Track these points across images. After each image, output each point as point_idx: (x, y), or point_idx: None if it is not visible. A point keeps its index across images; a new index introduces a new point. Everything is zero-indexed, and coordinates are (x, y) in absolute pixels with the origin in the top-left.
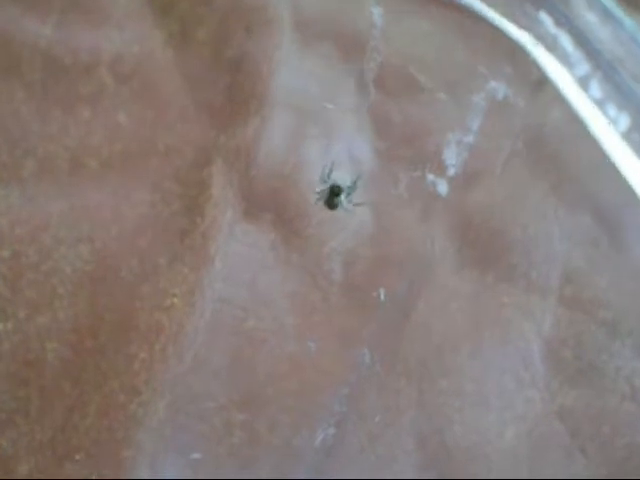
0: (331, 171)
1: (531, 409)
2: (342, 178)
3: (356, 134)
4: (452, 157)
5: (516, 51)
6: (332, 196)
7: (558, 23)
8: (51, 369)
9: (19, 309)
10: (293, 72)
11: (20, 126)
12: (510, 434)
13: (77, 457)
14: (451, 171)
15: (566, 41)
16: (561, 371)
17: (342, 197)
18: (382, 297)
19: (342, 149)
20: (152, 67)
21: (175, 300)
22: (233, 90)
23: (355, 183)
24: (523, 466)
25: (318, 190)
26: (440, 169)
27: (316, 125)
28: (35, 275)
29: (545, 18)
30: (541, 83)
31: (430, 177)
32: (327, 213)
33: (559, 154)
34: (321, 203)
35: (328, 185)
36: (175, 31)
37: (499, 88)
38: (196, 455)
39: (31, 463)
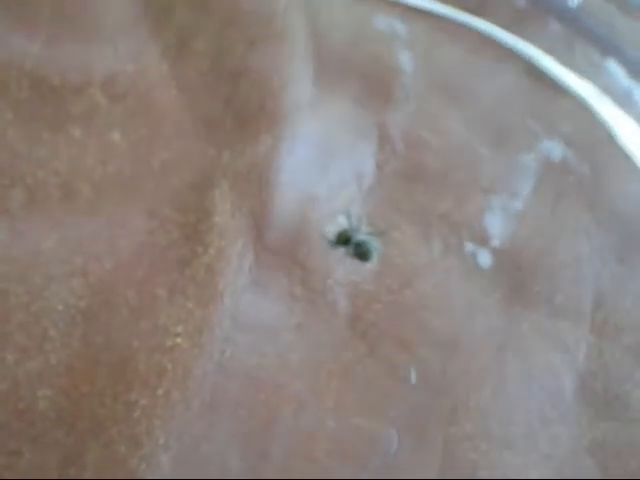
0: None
1: (558, 447)
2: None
3: (376, 185)
4: (496, 226)
5: (577, 104)
6: (358, 249)
7: (632, 73)
8: (43, 418)
9: (8, 353)
10: (306, 90)
11: (7, 151)
12: (536, 475)
13: None
14: (495, 242)
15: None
16: (591, 405)
17: (357, 236)
18: (413, 379)
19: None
20: (147, 83)
21: (179, 340)
22: (235, 103)
23: (358, 216)
24: None
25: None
26: (482, 239)
27: (331, 155)
28: (25, 316)
29: (615, 68)
30: (607, 143)
31: (470, 247)
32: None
33: (597, 185)
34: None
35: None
36: (171, 43)
37: (554, 148)
38: None
39: None
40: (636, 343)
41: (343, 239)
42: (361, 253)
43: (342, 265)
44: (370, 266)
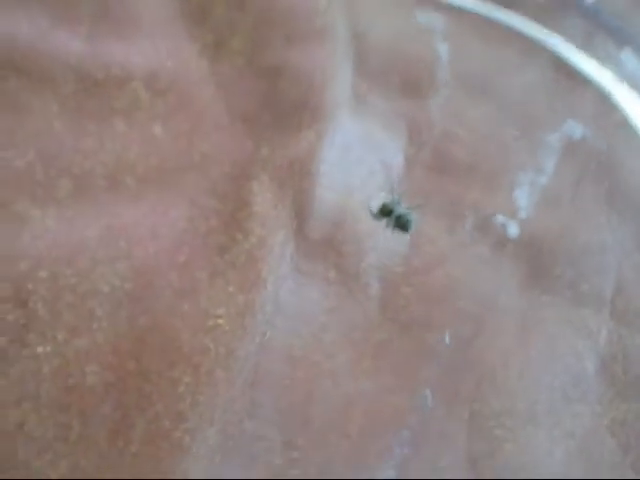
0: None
1: (580, 425)
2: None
3: (405, 177)
4: (524, 198)
5: (597, 90)
6: (400, 219)
7: None
8: (92, 393)
9: (58, 332)
10: (346, 87)
11: (54, 142)
12: (560, 452)
13: None
14: (522, 213)
15: None
16: (612, 386)
17: (398, 209)
18: (448, 336)
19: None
20: (186, 79)
21: (220, 321)
22: (272, 98)
23: (399, 192)
24: None
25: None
26: (511, 211)
27: (366, 149)
28: (73, 297)
29: (629, 57)
30: (622, 124)
31: (500, 218)
32: (364, 229)
33: (614, 164)
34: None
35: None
36: (209, 41)
37: (576, 128)
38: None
39: None
40: None
41: (386, 211)
42: (402, 223)
43: (375, 251)
44: (403, 249)
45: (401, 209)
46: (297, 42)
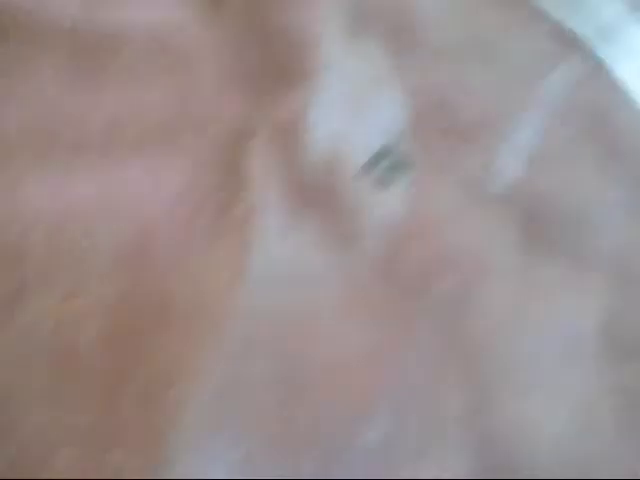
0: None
1: (581, 385)
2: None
3: (405, 136)
4: (524, 140)
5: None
6: (389, 168)
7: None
8: (90, 349)
9: (54, 292)
10: (338, 45)
11: (49, 105)
12: (561, 411)
13: (120, 447)
14: (523, 154)
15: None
16: (613, 348)
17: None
18: (447, 289)
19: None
20: (184, 37)
21: (217, 282)
22: (270, 59)
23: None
24: (573, 446)
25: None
26: (512, 152)
27: (363, 106)
28: (70, 257)
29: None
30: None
31: (500, 162)
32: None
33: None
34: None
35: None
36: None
37: (572, 70)
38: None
39: (70, 453)
40: None
41: (384, 154)
42: (399, 166)
43: (374, 211)
44: (402, 209)
45: (397, 154)
46: (293, 3)
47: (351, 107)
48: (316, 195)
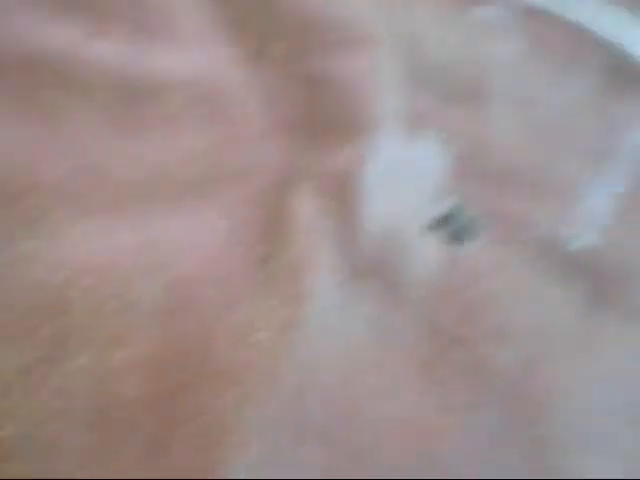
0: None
1: None
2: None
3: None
4: (599, 207)
5: None
6: (460, 231)
7: None
8: (134, 403)
9: (98, 342)
10: (393, 99)
11: (93, 152)
12: (619, 474)
13: None
14: (597, 223)
15: None
16: None
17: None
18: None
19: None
20: (227, 87)
21: (261, 336)
22: (315, 110)
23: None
24: None
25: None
26: (587, 216)
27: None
28: (113, 307)
29: None
30: None
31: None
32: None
33: None
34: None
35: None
36: (250, 48)
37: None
38: None
39: None
40: None
41: (447, 220)
42: (465, 233)
43: (422, 264)
44: (448, 263)
45: (463, 218)
46: (338, 51)
47: (403, 163)
48: (369, 255)
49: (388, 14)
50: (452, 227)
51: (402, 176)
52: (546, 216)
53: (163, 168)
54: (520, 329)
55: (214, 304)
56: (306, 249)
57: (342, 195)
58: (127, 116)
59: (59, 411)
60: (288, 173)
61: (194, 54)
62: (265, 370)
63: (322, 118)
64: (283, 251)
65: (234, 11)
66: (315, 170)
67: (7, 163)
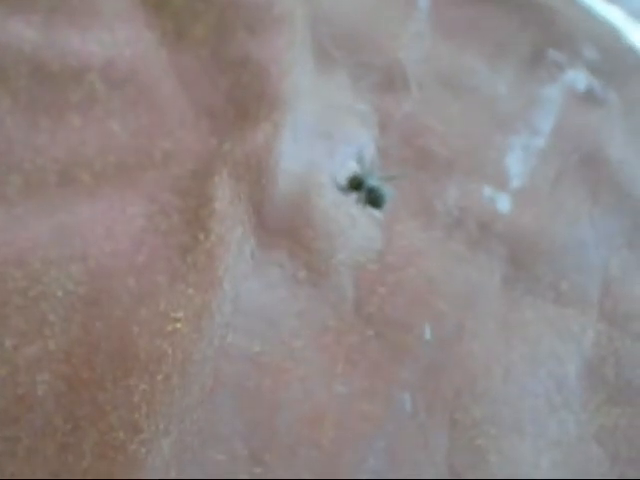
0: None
1: (565, 433)
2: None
3: (392, 166)
4: (517, 165)
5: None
6: (372, 193)
7: None
8: (42, 404)
9: (6, 338)
10: (305, 76)
11: (5, 137)
12: (546, 463)
13: None
14: (515, 182)
15: None
16: (600, 391)
17: (370, 181)
18: (428, 335)
19: (352, 152)
20: (146, 70)
21: (178, 325)
22: (236, 92)
23: (370, 161)
24: None
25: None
26: (501, 180)
27: (329, 134)
28: (23, 300)
29: None
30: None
31: (488, 190)
32: (335, 226)
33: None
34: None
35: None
36: (169, 29)
37: (579, 78)
38: None
39: None
40: None
41: (355, 183)
42: (374, 198)
43: (347, 248)
44: (376, 245)
45: (373, 181)
46: (258, 32)
47: (320, 138)
48: (285, 228)
49: None
50: (363, 190)
51: (318, 152)
52: (458, 187)
53: (79, 154)
54: (440, 299)
55: (130, 296)
56: (220, 236)
57: (254, 176)
58: (42, 102)
59: None
60: (209, 159)
61: (112, 36)
62: (177, 360)
63: (242, 100)
64: (202, 240)
65: None
66: (235, 153)
67: None
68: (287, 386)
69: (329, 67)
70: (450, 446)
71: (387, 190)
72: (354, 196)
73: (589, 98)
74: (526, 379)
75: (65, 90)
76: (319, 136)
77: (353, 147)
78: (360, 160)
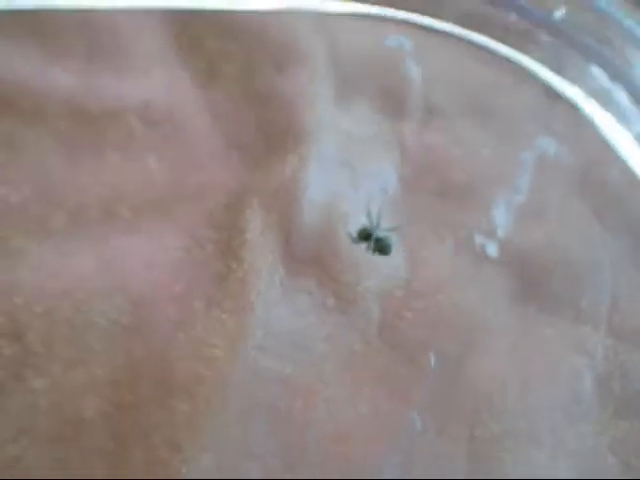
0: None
1: (582, 444)
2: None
3: (401, 199)
4: (501, 217)
5: (567, 106)
6: (379, 243)
7: (613, 77)
8: (90, 426)
9: (54, 365)
10: (327, 108)
11: (49, 177)
12: (562, 473)
13: None
14: (500, 232)
15: (622, 96)
16: (610, 403)
17: (377, 232)
18: (432, 362)
19: (374, 189)
20: (180, 108)
21: (215, 350)
22: (264, 126)
23: (377, 215)
24: None
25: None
26: (489, 230)
27: (352, 165)
28: (69, 330)
29: (598, 72)
30: (594, 139)
31: (479, 239)
32: (360, 254)
33: (597, 180)
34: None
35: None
36: (201, 69)
37: (549, 145)
38: None
39: None
40: None
41: (364, 235)
42: (381, 247)
43: (373, 276)
44: (402, 273)
45: (380, 232)
46: (283, 68)
47: (344, 169)
48: (312, 257)
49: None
50: (371, 240)
51: (343, 183)
52: (473, 214)
53: (119, 190)
54: (458, 321)
55: (169, 323)
56: (252, 265)
57: (283, 207)
58: (82, 141)
59: (21, 428)
60: (241, 191)
61: (148, 78)
62: (216, 383)
63: (270, 133)
64: (235, 269)
65: (186, 34)
66: (264, 185)
67: None
68: (316, 407)
69: (349, 99)
70: (468, 459)
71: (393, 239)
72: (364, 245)
73: None
74: (544, 394)
75: (104, 130)
76: (342, 167)
77: (375, 178)
78: (368, 215)
